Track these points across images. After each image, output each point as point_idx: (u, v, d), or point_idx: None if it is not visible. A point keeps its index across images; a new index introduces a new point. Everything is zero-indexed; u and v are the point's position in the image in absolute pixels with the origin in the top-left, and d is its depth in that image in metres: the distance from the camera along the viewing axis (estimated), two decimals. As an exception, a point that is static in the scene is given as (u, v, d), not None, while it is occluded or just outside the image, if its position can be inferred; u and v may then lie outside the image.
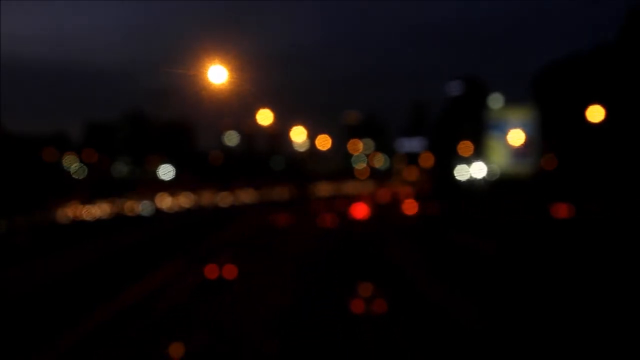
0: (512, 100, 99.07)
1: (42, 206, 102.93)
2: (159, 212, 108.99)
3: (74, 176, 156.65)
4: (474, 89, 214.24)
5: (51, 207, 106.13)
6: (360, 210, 75.18)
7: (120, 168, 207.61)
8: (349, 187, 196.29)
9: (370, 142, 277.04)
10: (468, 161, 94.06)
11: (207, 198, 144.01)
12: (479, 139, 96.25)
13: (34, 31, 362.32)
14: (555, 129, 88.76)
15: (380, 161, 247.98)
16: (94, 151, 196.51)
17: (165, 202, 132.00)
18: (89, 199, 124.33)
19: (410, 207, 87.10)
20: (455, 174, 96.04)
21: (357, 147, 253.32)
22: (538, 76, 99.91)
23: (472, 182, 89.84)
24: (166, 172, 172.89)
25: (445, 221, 65.42)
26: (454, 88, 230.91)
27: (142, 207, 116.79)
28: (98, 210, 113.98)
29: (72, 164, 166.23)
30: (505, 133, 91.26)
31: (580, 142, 78.54)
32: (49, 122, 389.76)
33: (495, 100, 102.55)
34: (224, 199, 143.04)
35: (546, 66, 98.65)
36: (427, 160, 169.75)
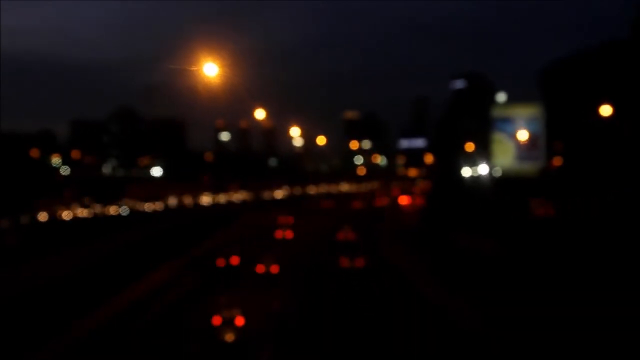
0: (517, 97, 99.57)
1: (28, 207, 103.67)
2: (146, 213, 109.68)
3: (62, 173, 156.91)
4: (478, 86, 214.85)
5: (38, 207, 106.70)
6: (380, 200, 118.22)
7: (110, 167, 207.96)
8: (350, 187, 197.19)
9: (371, 142, 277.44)
10: (471, 159, 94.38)
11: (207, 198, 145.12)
12: (482, 137, 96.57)
13: (27, 27, 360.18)
14: (562, 125, 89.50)
15: (380, 160, 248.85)
16: (83, 150, 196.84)
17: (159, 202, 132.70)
18: (76, 199, 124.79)
19: (410, 202, 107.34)
20: (458, 172, 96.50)
21: (358, 146, 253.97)
22: (545, 73, 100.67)
23: (474, 179, 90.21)
24: (157, 171, 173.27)
25: (443, 217, 67.38)
26: (458, 85, 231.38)
27: (122, 209, 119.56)
28: (84, 211, 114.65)
29: (60, 164, 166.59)
30: (509, 130, 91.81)
31: (588, 139, 79.31)
32: (39, 119, 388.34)
33: (500, 98, 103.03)
34: (220, 198, 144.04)
35: (553, 62, 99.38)
36: (429, 158, 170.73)
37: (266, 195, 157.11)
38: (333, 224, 62.98)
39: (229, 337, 23.36)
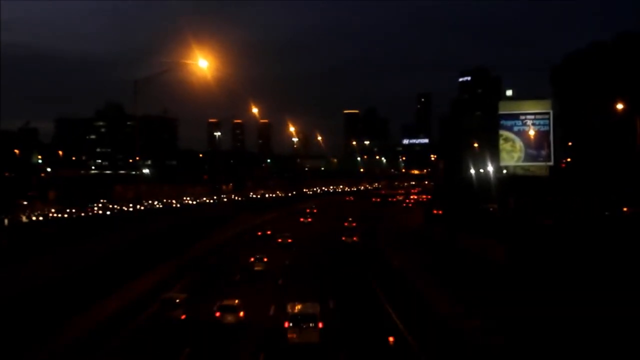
0: (524, 94, 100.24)
1: (11, 207, 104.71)
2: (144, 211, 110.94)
3: (47, 171, 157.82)
4: (484, 82, 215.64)
5: (20, 208, 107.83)
6: (389, 198, 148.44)
7: (97, 166, 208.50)
8: (352, 186, 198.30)
9: (372, 140, 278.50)
10: (476, 158, 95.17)
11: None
12: (489, 135, 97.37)
13: (9, 20, 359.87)
14: (574, 123, 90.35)
15: (383, 159, 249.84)
16: (69, 148, 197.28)
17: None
18: (61, 198, 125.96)
19: (416, 200, 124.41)
20: (461, 172, 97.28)
21: (360, 145, 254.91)
22: (558, 68, 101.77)
23: (479, 179, 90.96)
24: (147, 170, 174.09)
25: (445, 217, 69.23)
26: (463, 82, 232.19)
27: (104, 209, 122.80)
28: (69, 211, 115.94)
29: (45, 164, 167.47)
30: (516, 128, 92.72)
31: (600, 137, 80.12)
32: (22, 116, 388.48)
33: (507, 94, 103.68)
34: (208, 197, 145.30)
35: (567, 58, 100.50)
36: (433, 157, 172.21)
37: (262, 195, 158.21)
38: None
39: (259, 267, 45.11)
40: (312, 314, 26.85)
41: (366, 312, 31.32)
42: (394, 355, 24.62)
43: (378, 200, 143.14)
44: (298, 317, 26.70)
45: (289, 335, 25.84)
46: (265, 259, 45.41)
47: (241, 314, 29.35)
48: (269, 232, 69.51)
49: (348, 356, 24.82)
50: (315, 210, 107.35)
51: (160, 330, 27.95)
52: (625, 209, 55.24)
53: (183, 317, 29.71)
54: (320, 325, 26.29)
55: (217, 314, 29.10)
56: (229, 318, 28.92)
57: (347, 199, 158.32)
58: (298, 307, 27.85)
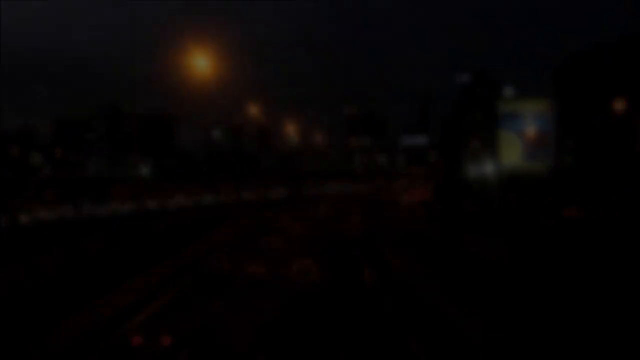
0: (525, 92, 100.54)
1: (7, 207, 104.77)
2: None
3: (45, 172, 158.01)
4: (484, 81, 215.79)
5: (17, 208, 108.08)
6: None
7: (95, 166, 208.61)
8: (353, 185, 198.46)
9: (371, 138, 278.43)
10: (476, 157, 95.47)
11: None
12: (489, 134, 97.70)
13: (14, 19, 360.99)
14: (575, 122, 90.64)
15: (381, 158, 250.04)
16: (67, 148, 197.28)
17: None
18: (58, 199, 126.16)
19: (419, 198, 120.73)
20: (461, 171, 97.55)
21: (358, 143, 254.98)
22: (559, 68, 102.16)
23: (479, 178, 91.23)
24: (145, 171, 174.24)
25: (445, 217, 69.86)
26: (463, 80, 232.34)
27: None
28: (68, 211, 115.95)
29: (42, 163, 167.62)
30: (516, 127, 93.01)
31: (601, 136, 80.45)
32: (20, 116, 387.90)
33: (507, 93, 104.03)
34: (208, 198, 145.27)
35: (568, 57, 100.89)
36: (433, 156, 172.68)
37: (260, 195, 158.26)
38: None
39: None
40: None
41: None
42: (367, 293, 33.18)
43: (386, 197, 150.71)
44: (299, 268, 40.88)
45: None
46: (275, 241, 57.80)
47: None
48: (284, 223, 78.49)
49: (333, 291, 34.66)
50: (327, 206, 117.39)
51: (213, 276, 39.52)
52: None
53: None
54: None
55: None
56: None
57: (359, 196, 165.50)
58: (298, 262, 42.64)
